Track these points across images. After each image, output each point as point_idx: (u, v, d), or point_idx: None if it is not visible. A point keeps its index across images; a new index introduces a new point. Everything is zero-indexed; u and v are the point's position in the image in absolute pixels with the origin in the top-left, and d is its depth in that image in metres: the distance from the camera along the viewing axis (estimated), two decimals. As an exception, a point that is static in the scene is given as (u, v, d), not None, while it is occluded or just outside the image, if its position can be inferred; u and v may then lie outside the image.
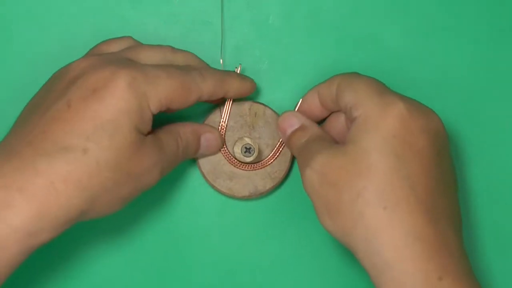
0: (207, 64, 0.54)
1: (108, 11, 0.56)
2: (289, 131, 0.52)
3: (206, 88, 0.50)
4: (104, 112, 0.45)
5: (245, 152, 0.54)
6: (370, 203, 0.45)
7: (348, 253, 0.46)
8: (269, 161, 0.55)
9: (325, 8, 0.57)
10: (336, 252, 0.57)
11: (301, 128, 0.52)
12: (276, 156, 0.55)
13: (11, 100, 0.56)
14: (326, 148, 0.48)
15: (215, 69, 0.53)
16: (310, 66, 0.57)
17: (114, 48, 0.51)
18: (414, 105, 0.47)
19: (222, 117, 0.55)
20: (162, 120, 0.51)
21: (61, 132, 0.44)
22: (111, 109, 0.45)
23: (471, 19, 0.57)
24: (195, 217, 0.57)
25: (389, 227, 0.44)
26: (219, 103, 0.55)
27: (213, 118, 0.55)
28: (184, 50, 0.53)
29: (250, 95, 0.56)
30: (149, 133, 0.48)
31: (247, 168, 0.55)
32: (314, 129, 0.52)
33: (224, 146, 0.55)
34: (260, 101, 0.56)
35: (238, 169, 0.55)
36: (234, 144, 0.54)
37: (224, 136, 0.55)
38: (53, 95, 0.47)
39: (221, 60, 0.56)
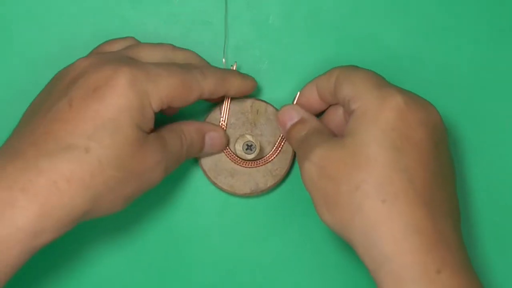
0: (208, 63, 0.54)
1: (108, 11, 0.56)
2: (288, 124, 0.52)
3: (207, 86, 0.50)
4: (105, 110, 0.45)
5: (246, 149, 0.54)
6: (368, 195, 0.45)
7: (349, 250, 0.46)
8: (270, 158, 0.55)
9: (325, 8, 0.57)
10: (337, 249, 0.57)
11: (301, 121, 0.52)
12: (277, 153, 0.55)
13: (11, 100, 0.56)
14: (325, 141, 0.48)
15: (216, 67, 0.53)
16: (310, 66, 0.57)
17: (116, 47, 0.51)
18: (412, 97, 0.47)
19: (222, 115, 0.55)
20: (166, 120, 0.51)
21: (63, 132, 0.44)
22: (112, 107, 0.45)
23: (471, 19, 0.57)
24: (196, 214, 0.57)
25: (388, 220, 0.44)
26: (219, 102, 0.55)
27: (214, 115, 0.55)
28: (185, 49, 0.53)
29: (251, 94, 0.56)
30: (151, 131, 0.48)
31: (249, 165, 0.55)
32: (313, 122, 0.52)
33: (226, 143, 0.55)
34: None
35: (239, 166, 0.55)
36: (236, 141, 0.54)
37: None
38: (55, 95, 0.47)
39: (223, 60, 0.56)
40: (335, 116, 0.53)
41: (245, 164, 0.55)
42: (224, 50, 0.56)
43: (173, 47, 0.52)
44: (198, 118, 0.56)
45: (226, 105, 0.55)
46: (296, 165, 0.56)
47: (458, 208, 0.48)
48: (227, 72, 0.52)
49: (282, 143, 0.55)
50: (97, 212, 0.46)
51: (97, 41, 0.53)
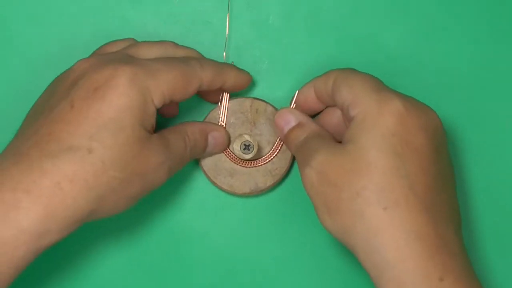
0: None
1: (108, 11, 0.56)
2: (286, 128, 0.52)
3: (206, 76, 0.50)
4: (106, 110, 0.45)
5: (244, 149, 0.54)
6: (369, 202, 0.44)
7: (348, 251, 0.46)
8: (269, 158, 0.55)
9: (325, 8, 0.57)
10: (337, 250, 0.57)
11: (299, 125, 0.52)
12: (276, 153, 0.55)
13: (11, 100, 0.56)
14: (325, 146, 0.48)
15: (212, 60, 0.53)
16: (310, 66, 0.57)
17: (116, 48, 0.51)
18: (411, 102, 0.47)
19: (220, 114, 0.55)
20: (168, 122, 0.51)
21: (65, 133, 0.45)
22: (113, 107, 0.45)
23: (471, 19, 0.57)
24: (196, 214, 0.57)
25: (389, 226, 0.44)
26: (217, 102, 0.55)
27: (213, 115, 0.55)
28: (186, 47, 0.53)
29: (251, 94, 0.56)
30: (154, 130, 0.48)
31: (248, 165, 0.55)
32: (312, 126, 0.51)
33: (225, 143, 0.55)
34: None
35: (238, 166, 0.55)
36: (234, 141, 0.54)
37: (225, 133, 0.55)
38: (56, 96, 0.47)
39: (224, 54, 0.56)
40: (333, 117, 0.53)
41: (245, 164, 0.55)
42: (225, 48, 0.56)
43: (174, 44, 0.52)
44: (198, 118, 0.56)
45: (225, 105, 0.55)
46: (296, 165, 0.56)
47: (458, 212, 0.48)
48: (224, 64, 0.53)
49: (282, 143, 0.55)
50: (101, 213, 0.46)
51: (97, 41, 0.53)
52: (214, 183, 0.55)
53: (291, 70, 0.57)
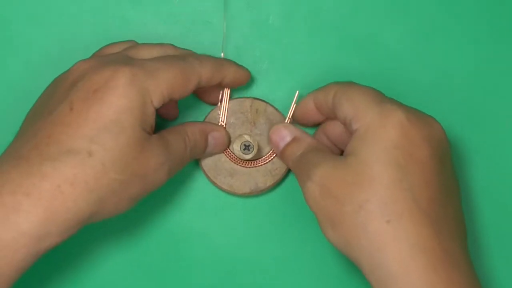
0: None
1: (108, 11, 0.56)
2: (281, 144, 0.52)
3: (205, 72, 0.49)
4: (106, 112, 0.45)
5: (244, 149, 0.54)
6: (373, 215, 0.44)
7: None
8: (269, 158, 0.55)
9: (325, 8, 0.57)
10: (337, 250, 0.57)
11: (295, 140, 0.52)
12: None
13: (11, 100, 0.56)
14: (326, 160, 0.47)
15: (211, 56, 0.53)
16: (310, 66, 0.57)
17: (117, 50, 0.51)
18: (414, 113, 0.46)
19: (221, 114, 0.55)
20: (168, 124, 0.51)
21: (65, 136, 0.44)
22: (113, 108, 0.45)
23: (471, 19, 0.57)
24: (196, 214, 0.57)
25: (393, 240, 0.44)
26: (215, 103, 0.55)
27: (213, 115, 0.55)
28: (185, 49, 0.53)
29: (251, 94, 0.56)
30: (153, 130, 0.48)
31: (248, 165, 0.55)
32: (308, 140, 0.51)
33: (225, 143, 0.55)
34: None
35: (238, 166, 0.55)
36: (234, 141, 0.54)
37: (225, 133, 0.55)
38: (55, 98, 0.47)
39: (222, 54, 0.56)
40: (335, 127, 0.52)
41: (245, 164, 0.55)
42: (222, 49, 0.56)
43: (174, 47, 0.52)
44: (198, 118, 0.56)
45: (225, 105, 0.55)
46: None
47: (464, 223, 0.47)
48: (222, 59, 0.53)
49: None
50: (101, 214, 0.46)
51: (97, 41, 0.53)
52: (214, 183, 0.55)
53: (291, 70, 0.57)
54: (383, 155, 0.45)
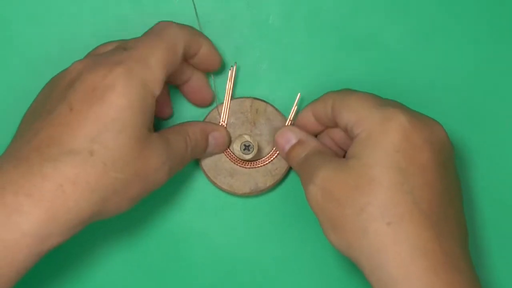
0: None
1: (108, 11, 0.56)
2: (287, 146, 0.52)
3: (184, 36, 0.49)
4: (106, 111, 0.45)
5: (244, 149, 0.54)
6: (374, 218, 0.44)
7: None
8: (269, 158, 0.55)
9: (325, 8, 0.57)
10: (337, 250, 0.57)
11: (299, 142, 0.52)
12: (276, 153, 0.55)
13: (11, 100, 0.56)
14: (327, 163, 0.47)
15: None
16: (310, 66, 0.57)
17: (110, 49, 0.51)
18: (416, 116, 0.46)
19: (221, 115, 0.55)
20: (168, 122, 0.51)
21: (65, 136, 0.44)
22: (114, 107, 0.45)
23: (471, 19, 0.57)
24: (196, 214, 0.57)
25: (394, 243, 0.44)
26: (204, 104, 0.55)
27: (213, 115, 0.55)
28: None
29: (251, 94, 0.56)
30: (153, 126, 0.48)
31: (248, 165, 0.55)
32: (313, 143, 0.51)
33: (224, 143, 0.55)
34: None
35: (238, 166, 0.55)
36: (234, 141, 0.54)
37: (224, 133, 0.55)
38: (54, 98, 0.46)
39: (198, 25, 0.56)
40: (338, 130, 0.52)
41: (245, 164, 0.55)
42: (197, 18, 0.56)
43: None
44: (198, 118, 0.56)
45: (225, 105, 0.55)
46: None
47: (465, 225, 0.47)
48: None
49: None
50: (103, 214, 0.46)
51: (97, 41, 0.53)
52: (214, 183, 0.55)
53: (291, 70, 0.57)
54: (384, 159, 0.45)
